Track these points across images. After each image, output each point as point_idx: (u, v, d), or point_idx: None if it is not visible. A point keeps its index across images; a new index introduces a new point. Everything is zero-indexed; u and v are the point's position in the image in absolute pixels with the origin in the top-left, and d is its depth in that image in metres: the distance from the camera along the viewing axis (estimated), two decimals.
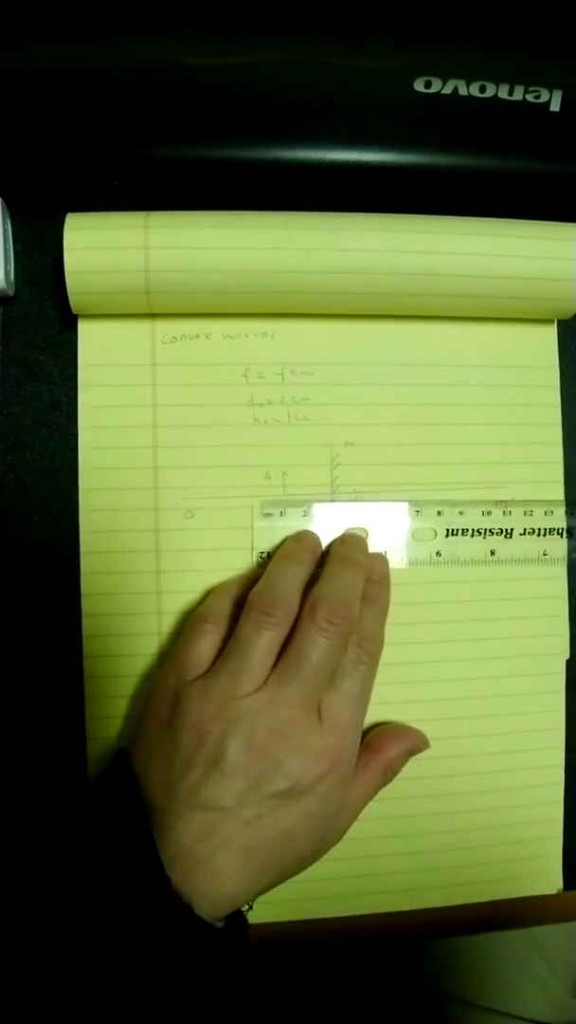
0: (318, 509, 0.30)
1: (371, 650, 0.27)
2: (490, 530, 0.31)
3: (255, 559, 0.30)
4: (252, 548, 0.30)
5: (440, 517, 0.31)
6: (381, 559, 0.30)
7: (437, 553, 0.31)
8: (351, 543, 0.29)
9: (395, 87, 0.28)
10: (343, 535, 0.30)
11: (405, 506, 0.31)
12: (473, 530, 0.31)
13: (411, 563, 0.31)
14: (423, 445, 0.31)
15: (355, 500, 0.31)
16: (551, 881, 0.32)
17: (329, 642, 0.25)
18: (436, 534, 0.31)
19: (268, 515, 0.30)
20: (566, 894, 0.32)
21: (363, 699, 0.27)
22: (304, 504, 0.30)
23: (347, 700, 0.26)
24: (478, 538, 0.31)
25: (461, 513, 0.31)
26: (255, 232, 0.27)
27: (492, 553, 0.31)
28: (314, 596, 0.26)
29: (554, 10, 0.29)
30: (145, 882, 0.23)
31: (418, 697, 0.31)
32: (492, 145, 0.29)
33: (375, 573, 0.29)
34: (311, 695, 0.25)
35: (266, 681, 0.25)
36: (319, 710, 0.26)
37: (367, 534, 0.30)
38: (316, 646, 0.25)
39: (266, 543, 0.30)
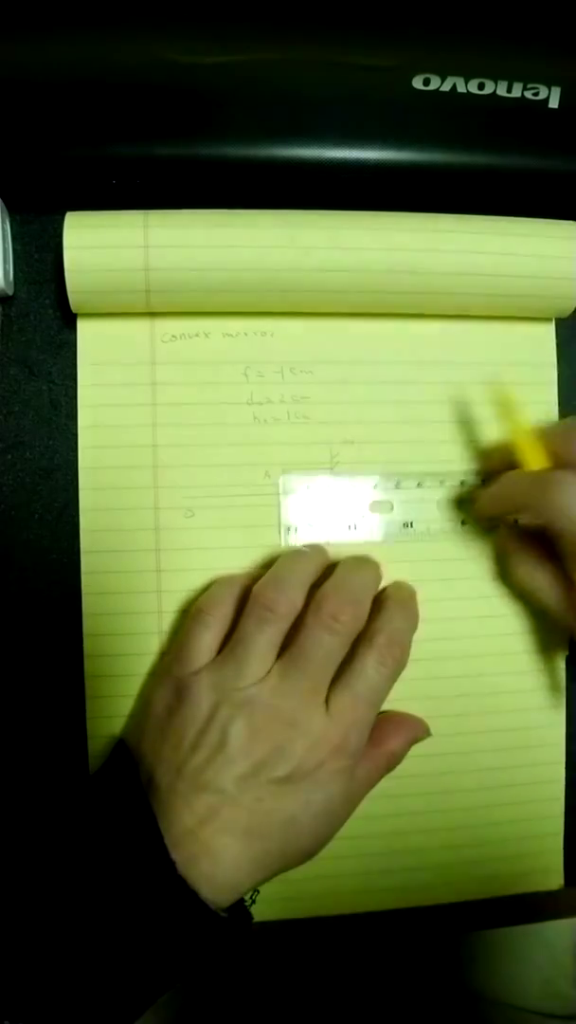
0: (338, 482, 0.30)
1: (397, 655, 0.27)
2: None
3: (279, 535, 0.30)
4: (279, 524, 0.30)
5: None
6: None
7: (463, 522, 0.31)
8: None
9: (393, 84, 0.28)
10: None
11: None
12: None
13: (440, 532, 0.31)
14: (422, 443, 0.31)
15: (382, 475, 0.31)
16: (552, 877, 0.32)
17: (333, 639, 0.25)
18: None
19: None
20: (568, 890, 0.32)
21: (376, 703, 0.27)
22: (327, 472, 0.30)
23: (359, 701, 0.26)
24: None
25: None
26: (254, 231, 0.28)
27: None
28: (321, 592, 0.26)
29: (553, 7, 0.29)
30: (150, 865, 0.23)
31: (418, 695, 0.30)
32: (491, 142, 0.29)
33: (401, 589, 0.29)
34: (315, 689, 0.25)
35: (270, 671, 0.25)
36: (327, 702, 0.26)
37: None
38: (320, 644, 0.25)
39: (293, 517, 0.30)
